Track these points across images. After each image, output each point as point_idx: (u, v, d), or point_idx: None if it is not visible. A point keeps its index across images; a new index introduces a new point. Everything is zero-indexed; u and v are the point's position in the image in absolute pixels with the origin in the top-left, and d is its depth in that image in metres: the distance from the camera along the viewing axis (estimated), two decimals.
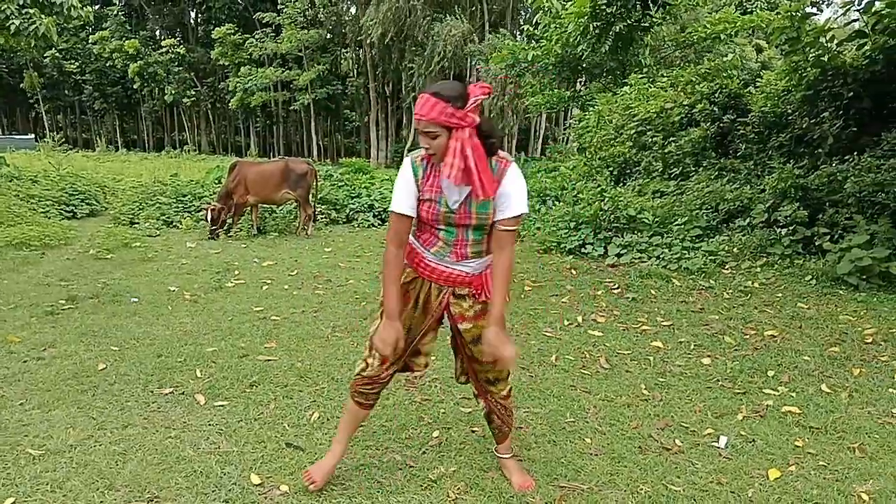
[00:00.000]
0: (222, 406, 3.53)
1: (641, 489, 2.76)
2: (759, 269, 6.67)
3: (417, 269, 2.57)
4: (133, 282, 6.38)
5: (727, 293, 5.99)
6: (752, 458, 3.04)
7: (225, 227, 9.40)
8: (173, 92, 47.10)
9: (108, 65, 47.56)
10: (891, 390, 3.79)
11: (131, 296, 5.79)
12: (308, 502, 2.62)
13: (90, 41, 46.27)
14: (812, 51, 8.47)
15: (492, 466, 2.93)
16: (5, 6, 10.80)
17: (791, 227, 7.12)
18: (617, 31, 13.12)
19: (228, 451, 3.02)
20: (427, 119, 2.27)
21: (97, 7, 44.49)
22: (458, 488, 2.75)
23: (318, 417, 3.40)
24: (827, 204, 7.16)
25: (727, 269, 6.85)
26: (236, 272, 6.89)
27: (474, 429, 3.30)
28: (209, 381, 3.86)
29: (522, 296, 6.02)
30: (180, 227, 10.30)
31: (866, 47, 8.09)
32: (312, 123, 43.57)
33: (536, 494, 2.71)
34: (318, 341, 4.66)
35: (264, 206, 10.26)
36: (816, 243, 6.81)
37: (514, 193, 2.38)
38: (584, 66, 15.59)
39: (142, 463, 2.90)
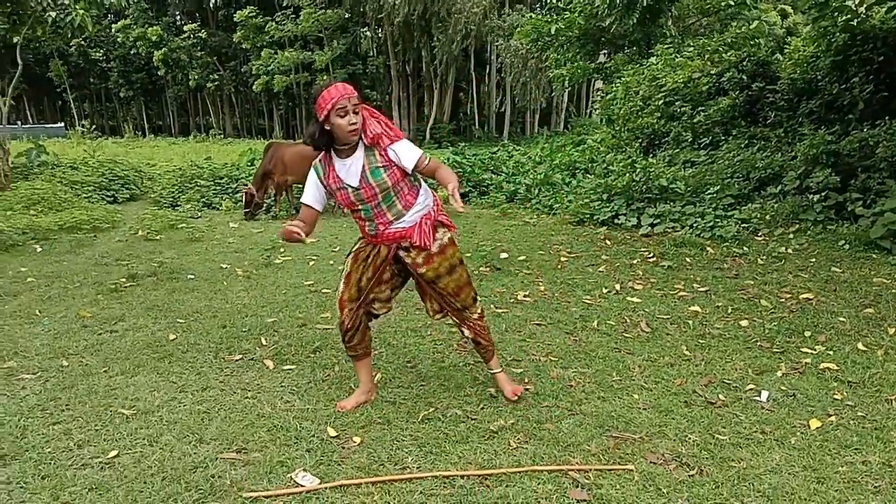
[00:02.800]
0: (291, 370, 3.79)
1: (690, 438, 2.95)
2: (792, 236, 6.76)
3: (367, 239, 3.12)
4: (186, 260, 6.68)
5: (761, 259, 6.11)
6: (793, 411, 3.20)
7: (263, 208, 9.66)
8: (196, 77, 47.53)
9: (132, 52, 48.09)
10: None
11: (187, 273, 6.08)
12: (382, 451, 2.86)
13: (113, 29, 46.79)
14: (840, 15, 8.43)
15: (547, 419, 3.14)
16: None
17: (823, 193, 7.17)
18: (644, 3, 13.07)
19: (303, 408, 3.27)
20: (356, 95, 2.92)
21: None
22: (518, 438, 2.97)
23: (381, 378, 3.64)
24: (859, 169, 7.20)
25: (760, 236, 6.96)
26: (282, 249, 7.14)
27: (528, 386, 3.51)
28: (275, 349, 4.13)
29: (559, 266, 6.19)
30: (220, 208, 10.60)
31: None
32: None
33: (592, 443, 2.92)
34: None
35: (299, 185, 10.49)
36: (849, 208, 6.87)
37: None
38: (608, 37, 15.54)
39: (226, 420, 3.16)
